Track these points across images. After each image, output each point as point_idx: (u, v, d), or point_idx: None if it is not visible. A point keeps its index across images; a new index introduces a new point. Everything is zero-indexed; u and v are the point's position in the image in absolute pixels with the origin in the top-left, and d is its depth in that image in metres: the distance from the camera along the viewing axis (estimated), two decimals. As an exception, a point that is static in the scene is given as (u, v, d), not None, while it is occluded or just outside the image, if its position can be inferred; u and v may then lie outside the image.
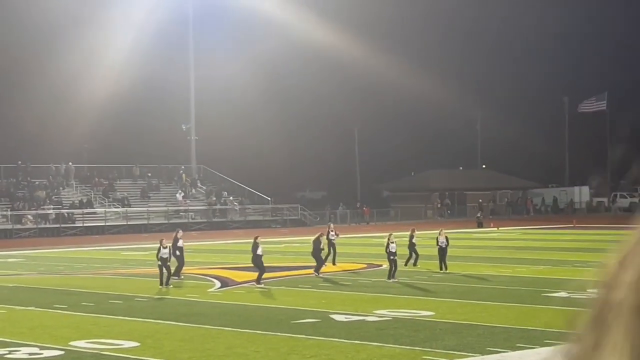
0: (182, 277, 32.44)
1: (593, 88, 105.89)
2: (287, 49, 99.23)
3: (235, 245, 51.82)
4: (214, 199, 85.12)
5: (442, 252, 34.55)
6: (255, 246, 31.15)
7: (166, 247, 30.79)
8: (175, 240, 33.05)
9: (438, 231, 35.87)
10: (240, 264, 37.93)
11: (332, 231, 37.88)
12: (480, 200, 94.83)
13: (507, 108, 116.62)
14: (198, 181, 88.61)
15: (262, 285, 29.99)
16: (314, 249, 33.55)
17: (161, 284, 30.25)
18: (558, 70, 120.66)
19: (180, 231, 34.64)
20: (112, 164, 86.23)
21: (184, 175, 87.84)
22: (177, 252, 32.66)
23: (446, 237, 35.10)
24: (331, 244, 36.97)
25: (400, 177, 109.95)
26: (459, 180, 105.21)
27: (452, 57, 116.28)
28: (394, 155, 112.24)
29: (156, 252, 31.06)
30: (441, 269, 34.12)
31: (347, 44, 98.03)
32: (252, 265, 31.62)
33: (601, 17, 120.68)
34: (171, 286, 30.32)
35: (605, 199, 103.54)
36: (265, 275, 31.14)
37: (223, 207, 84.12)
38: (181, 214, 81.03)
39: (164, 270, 30.47)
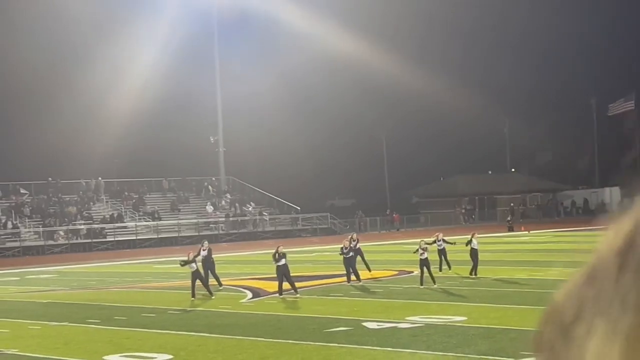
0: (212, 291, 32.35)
1: (620, 88, 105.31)
2: (312, 59, 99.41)
3: (265, 256, 51.78)
4: (245, 209, 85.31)
5: (474, 254, 34.46)
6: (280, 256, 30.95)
7: (193, 260, 30.90)
8: (197, 253, 33.12)
9: (470, 234, 35.56)
10: (271, 275, 37.95)
11: (354, 240, 36.42)
12: (512, 204, 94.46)
13: (535, 111, 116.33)
14: (227, 193, 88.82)
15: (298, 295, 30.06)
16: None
17: (193, 295, 30.32)
18: (585, 71, 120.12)
19: (206, 242, 34.63)
20: (142, 177, 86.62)
21: (209, 186, 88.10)
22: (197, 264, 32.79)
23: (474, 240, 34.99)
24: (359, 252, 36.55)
25: (429, 182, 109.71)
26: (489, 184, 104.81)
27: (477, 64, 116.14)
28: (422, 161, 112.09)
29: (184, 262, 31.16)
30: (471, 273, 34.06)
31: (372, 54, 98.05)
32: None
33: (624, 16, 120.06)
34: (213, 297, 30.45)
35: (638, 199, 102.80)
36: (298, 285, 31.17)
37: (252, 217, 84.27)
38: (211, 225, 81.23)
39: (197, 282, 30.59)
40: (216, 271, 33.38)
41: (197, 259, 31.75)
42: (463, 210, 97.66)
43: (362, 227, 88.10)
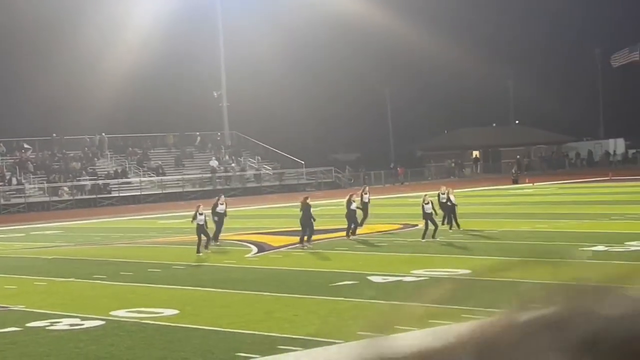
0: (219, 243, 32.53)
1: (625, 39, 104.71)
2: (315, 15, 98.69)
3: (270, 210, 51.98)
4: (249, 163, 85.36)
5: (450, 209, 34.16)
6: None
7: (202, 214, 30.86)
8: (215, 205, 33.19)
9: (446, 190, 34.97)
10: (276, 229, 38.06)
11: (366, 193, 37.59)
12: (519, 156, 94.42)
13: (539, 63, 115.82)
14: (231, 147, 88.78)
15: (309, 246, 30.58)
16: (347, 210, 33.44)
17: (198, 251, 30.41)
18: (590, 22, 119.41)
19: (223, 196, 34.66)
20: (145, 133, 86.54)
21: (214, 142, 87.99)
22: (216, 218, 32.81)
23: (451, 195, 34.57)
24: (365, 205, 36.95)
25: (433, 136, 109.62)
26: (493, 137, 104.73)
27: (480, 17, 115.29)
28: (426, 114, 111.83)
29: (192, 218, 31.20)
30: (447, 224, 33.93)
31: (374, 9, 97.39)
32: (287, 229, 31.77)
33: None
34: (209, 251, 30.51)
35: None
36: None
37: (256, 171, 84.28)
38: (216, 180, 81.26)
39: (202, 236, 30.64)
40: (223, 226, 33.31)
41: (208, 212, 31.99)
42: (452, 165, 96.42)
43: (366, 180, 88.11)
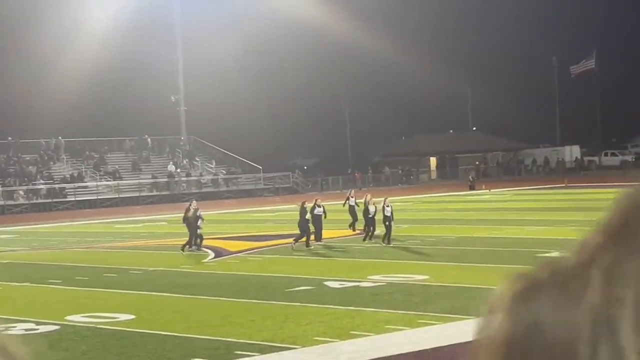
0: (193, 248, 32.25)
1: (582, 47, 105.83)
2: (275, 20, 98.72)
3: (227, 215, 51.88)
4: (207, 168, 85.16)
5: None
6: (303, 210, 32.14)
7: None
8: (187, 210, 33.20)
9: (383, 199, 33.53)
10: (233, 234, 37.99)
11: (352, 197, 38.16)
12: (477, 162, 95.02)
13: (497, 70, 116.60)
14: (189, 152, 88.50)
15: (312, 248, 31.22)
16: (300, 218, 32.77)
17: (183, 249, 31.65)
18: (547, 30, 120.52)
19: (194, 202, 34.62)
20: (102, 137, 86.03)
21: (171, 146, 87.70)
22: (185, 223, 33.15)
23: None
24: (352, 209, 37.33)
25: (391, 142, 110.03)
26: (450, 143, 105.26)
27: (439, 24, 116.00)
28: (384, 120, 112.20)
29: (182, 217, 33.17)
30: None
31: (334, 16, 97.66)
32: (245, 234, 31.66)
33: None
34: (185, 253, 31.37)
35: (596, 158, 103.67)
36: (260, 244, 31.37)
37: (215, 176, 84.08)
38: (173, 185, 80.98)
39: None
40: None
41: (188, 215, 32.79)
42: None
43: (324, 186, 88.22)
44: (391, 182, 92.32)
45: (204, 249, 32.10)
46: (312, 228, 32.30)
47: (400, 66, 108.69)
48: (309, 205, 33.19)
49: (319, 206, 33.12)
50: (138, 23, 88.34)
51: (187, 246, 31.91)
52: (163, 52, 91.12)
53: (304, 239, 31.81)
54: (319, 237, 32.80)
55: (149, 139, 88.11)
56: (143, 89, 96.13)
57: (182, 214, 34.19)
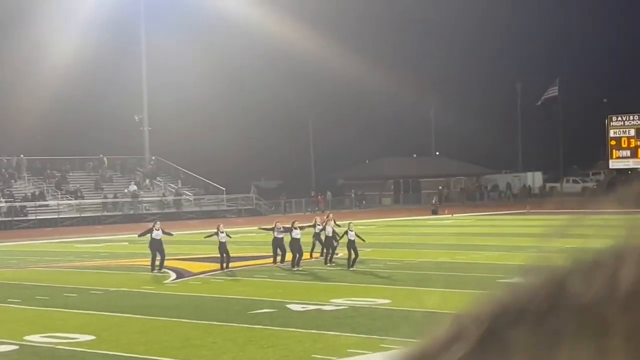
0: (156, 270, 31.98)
1: (545, 74, 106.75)
2: (241, 41, 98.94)
3: (190, 236, 51.62)
4: (169, 189, 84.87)
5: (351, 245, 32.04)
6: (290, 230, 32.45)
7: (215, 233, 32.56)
8: (149, 231, 32.94)
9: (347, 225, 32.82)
10: (195, 255, 37.83)
11: (330, 220, 34.42)
12: (441, 187, 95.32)
13: (460, 95, 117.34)
14: (152, 172, 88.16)
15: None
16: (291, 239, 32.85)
17: (152, 269, 31.59)
18: (510, 57, 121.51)
19: (158, 223, 34.30)
20: (64, 155, 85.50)
21: (134, 166, 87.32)
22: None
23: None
24: (329, 237, 33.82)
25: (355, 165, 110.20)
26: (413, 167, 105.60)
27: (404, 48, 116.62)
28: (348, 144, 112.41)
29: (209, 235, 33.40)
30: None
31: (300, 37, 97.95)
32: (207, 256, 31.54)
33: (551, 1, 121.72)
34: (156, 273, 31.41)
35: (558, 184, 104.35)
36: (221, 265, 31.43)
37: (177, 197, 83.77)
38: (136, 205, 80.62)
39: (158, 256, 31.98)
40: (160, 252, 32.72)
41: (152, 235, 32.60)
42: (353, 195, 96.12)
43: (287, 208, 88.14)
44: (354, 205, 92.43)
45: (165, 270, 31.92)
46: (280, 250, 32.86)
47: (366, 89, 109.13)
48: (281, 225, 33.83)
49: (280, 228, 33.34)
50: (103, 42, 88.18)
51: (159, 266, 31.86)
52: (128, 72, 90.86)
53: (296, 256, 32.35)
54: (282, 260, 32.87)
55: (111, 158, 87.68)
56: (107, 108, 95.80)
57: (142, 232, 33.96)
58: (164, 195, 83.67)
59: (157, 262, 32.03)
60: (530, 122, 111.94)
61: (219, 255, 32.10)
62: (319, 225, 35.09)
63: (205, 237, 33.02)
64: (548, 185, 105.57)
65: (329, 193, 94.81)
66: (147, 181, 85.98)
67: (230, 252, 32.28)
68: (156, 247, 32.38)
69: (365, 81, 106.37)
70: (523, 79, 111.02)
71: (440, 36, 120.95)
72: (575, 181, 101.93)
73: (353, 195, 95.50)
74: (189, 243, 45.90)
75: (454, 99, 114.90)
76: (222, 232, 32.39)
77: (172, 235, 34.32)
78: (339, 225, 33.89)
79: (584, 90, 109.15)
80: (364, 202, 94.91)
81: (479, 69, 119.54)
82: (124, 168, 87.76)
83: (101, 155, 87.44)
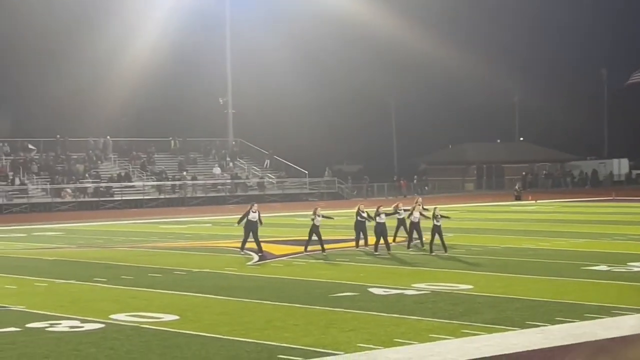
0: (244, 252, 32.17)
1: (632, 59, 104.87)
2: (323, 22, 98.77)
3: (273, 219, 51.92)
4: (252, 171, 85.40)
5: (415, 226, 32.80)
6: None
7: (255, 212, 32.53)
8: (247, 213, 32.91)
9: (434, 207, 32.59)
10: (278, 237, 38.05)
11: (362, 212, 33.61)
12: (524, 173, 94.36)
13: (546, 80, 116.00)
14: (236, 155, 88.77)
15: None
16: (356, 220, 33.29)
17: (242, 249, 32.20)
18: (596, 42, 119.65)
19: (255, 205, 34.07)
20: (150, 137, 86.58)
21: (218, 148, 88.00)
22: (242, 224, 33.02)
23: (420, 212, 32.81)
24: (415, 222, 33.37)
25: (438, 150, 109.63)
26: (497, 153, 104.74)
27: (489, 32, 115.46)
28: (431, 128, 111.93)
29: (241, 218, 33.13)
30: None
31: (384, 18, 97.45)
32: (289, 238, 31.68)
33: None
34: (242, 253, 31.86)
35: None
36: (303, 249, 31.61)
37: (261, 180, 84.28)
38: (218, 187, 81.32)
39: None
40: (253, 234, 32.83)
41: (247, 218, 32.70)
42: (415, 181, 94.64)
43: (369, 192, 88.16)
44: (437, 190, 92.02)
45: (248, 251, 32.16)
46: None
47: (450, 74, 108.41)
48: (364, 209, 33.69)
49: (363, 212, 33.22)
50: (189, 26, 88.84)
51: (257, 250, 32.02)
52: (213, 55, 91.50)
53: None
54: (365, 243, 32.86)
55: (196, 141, 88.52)
56: (192, 91, 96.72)
57: (240, 216, 33.92)
58: (247, 178, 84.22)
59: (250, 245, 32.30)
60: (616, 108, 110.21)
61: (304, 237, 32.23)
62: (401, 210, 34.89)
63: (311, 219, 32.76)
64: (635, 172, 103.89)
65: (415, 178, 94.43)
66: (231, 164, 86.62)
67: (303, 236, 32.25)
68: (250, 228, 32.52)
69: (450, 66, 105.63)
70: (610, 64, 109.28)
71: (527, 21, 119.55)
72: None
73: (415, 180, 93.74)
74: (271, 225, 46.16)
75: (539, 84, 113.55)
76: (319, 216, 32.40)
77: (261, 224, 33.73)
78: (427, 209, 33.61)
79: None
80: (426, 187, 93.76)
81: (565, 54, 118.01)
82: (207, 151, 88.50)
83: (218, 142, 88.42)
